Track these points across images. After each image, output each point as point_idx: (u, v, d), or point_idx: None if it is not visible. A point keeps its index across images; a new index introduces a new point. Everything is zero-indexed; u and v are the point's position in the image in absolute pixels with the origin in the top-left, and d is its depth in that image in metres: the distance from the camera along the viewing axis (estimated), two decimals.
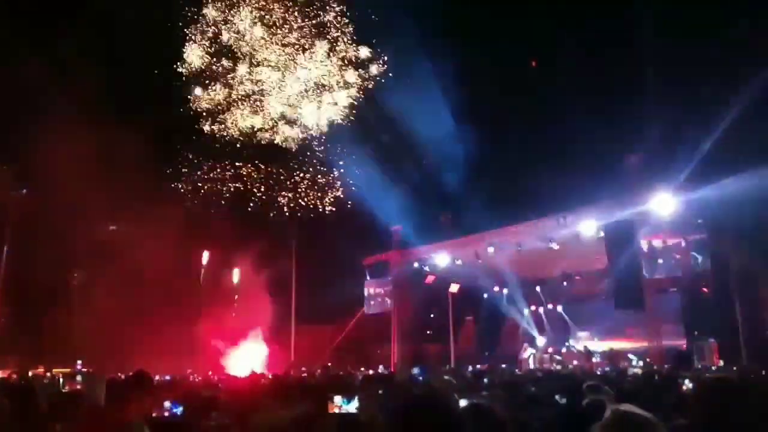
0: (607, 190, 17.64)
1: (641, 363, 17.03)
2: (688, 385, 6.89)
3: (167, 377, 13.63)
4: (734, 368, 12.71)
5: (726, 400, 2.63)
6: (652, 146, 16.41)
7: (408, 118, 22.89)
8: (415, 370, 14.25)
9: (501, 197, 20.88)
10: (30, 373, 14.96)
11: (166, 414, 4.41)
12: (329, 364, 20.09)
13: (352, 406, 5.01)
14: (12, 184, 21.59)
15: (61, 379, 10.28)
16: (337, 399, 5.10)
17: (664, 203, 16.14)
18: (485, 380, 8.71)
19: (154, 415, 4.44)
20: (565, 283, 24.57)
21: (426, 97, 21.95)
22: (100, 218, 22.52)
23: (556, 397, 5.56)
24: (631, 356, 18.67)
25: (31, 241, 21.12)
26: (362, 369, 20.23)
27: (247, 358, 22.95)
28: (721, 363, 15.46)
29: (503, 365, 19.38)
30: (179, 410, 4.39)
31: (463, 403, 3.17)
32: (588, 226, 18.09)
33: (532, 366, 20.81)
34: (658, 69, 16.60)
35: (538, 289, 25.57)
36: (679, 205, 16.00)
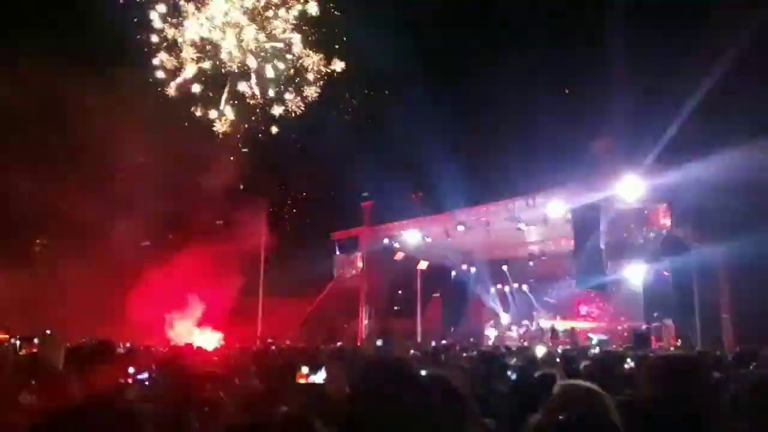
0: (576, 173, 17.91)
1: (600, 342, 17.46)
2: (630, 363, 7.16)
3: (128, 344, 13.47)
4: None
5: (669, 375, 2.73)
6: (620, 130, 16.64)
7: (379, 95, 22.77)
8: (380, 342, 14.42)
9: (472, 177, 21.02)
10: None
11: (132, 381, 4.36)
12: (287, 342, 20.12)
13: (320, 377, 5.05)
14: None
15: (17, 343, 10.10)
16: (305, 369, 5.13)
17: (631, 187, 16.44)
18: (442, 356, 8.84)
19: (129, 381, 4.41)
20: (531, 263, 25.01)
21: (397, 75, 21.86)
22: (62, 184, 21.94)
23: (509, 372, 5.71)
24: (591, 335, 19.16)
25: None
26: (328, 345, 20.35)
27: (212, 330, 22.86)
28: (679, 343, 16.00)
29: (470, 340, 19.77)
30: (145, 376, 4.35)
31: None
32: (556, 207, 18.38)
33: (494, 342, 21.23)
34: (626, 50, 16.74)
35: (505, 268, 25.96)
36: (644, 190, 16.33)
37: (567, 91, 21.48)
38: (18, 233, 21.95)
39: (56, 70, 18.34)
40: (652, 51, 17.77)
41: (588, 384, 2.50)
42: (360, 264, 24.62)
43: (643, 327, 17.92)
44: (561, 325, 22.37)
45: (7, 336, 17.14)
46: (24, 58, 18.17)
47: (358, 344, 20.02)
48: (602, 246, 17.31)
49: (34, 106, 18.78)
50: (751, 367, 5.66)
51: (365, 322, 24.37)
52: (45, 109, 18.67)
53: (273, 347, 15.92)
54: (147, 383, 4.28)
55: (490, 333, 23.32)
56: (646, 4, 18.01)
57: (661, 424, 2.60)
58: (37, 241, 24.16)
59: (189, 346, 11.66)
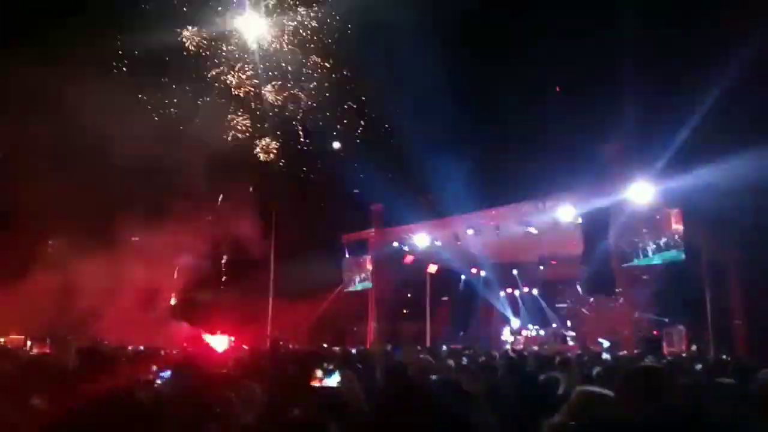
0: (586, 178, 17.83)
1: (610, 347, 17.36)
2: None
3: (140, 347, 13.57)
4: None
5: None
6: (631, 135, 16.57)
7: (389, 96, 22.71)
8: (389, 347, 14.39)
9: (482, 180, 20.97)
10: (2, 340, 14.85)
11: (156, 379, 4.38)
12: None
13: (333, 381, 5.05)
14: None
15: (29, 343, 10.20)
16: (319, 372, 5.15)
17: (642, 192, 16.35)
18: (464, 360, 8.83)
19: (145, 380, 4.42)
20: (541, 267, 24.92)
21: (407, 77, 21.82)
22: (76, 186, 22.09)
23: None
24: (601, 340, 19.05)
25: (7, 208, 20.72)
26: (337, 348, 20.35)
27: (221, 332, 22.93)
28: (693, 348, 15.87)
29: (476, 345, 19.70)
30: (167, 374, 4.37)
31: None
32: (566, 212, 18.31)
33: (508, 347, 21.16)
34: (637, 55, 16.65)
35: (515, 272, 25.88)
36: (655, 194, 16.24)
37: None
38: (29, 234, 22.10)
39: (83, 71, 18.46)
40: (663, 53, 17.67)
41: (604, 391, 2.51)
42: (369, 267, 24.63)
43: (654, 332, 17.80)
44: (571, 329, 22.28)
45: (22, 336, 17.35)
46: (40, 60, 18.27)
47: (368, 347, 20.00)
48: (612, 249, 17.22)
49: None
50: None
51: (374, 324, 24.36)
52: (62, 105, 18.73)
53: (284, 349, 15.97)
54: (159, 383, 4.30)
55: (506, 337, 23.20)
56: (657, 7, 17.90)
57: None
58: (49, 242, 24.33)
59: (201, 347, 11.73)
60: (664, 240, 16.51)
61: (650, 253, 16.82)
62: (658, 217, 16.60)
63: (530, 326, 23.76)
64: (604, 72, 18.77)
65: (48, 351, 7.32)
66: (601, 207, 17.17)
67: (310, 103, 24.27)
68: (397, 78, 21.81)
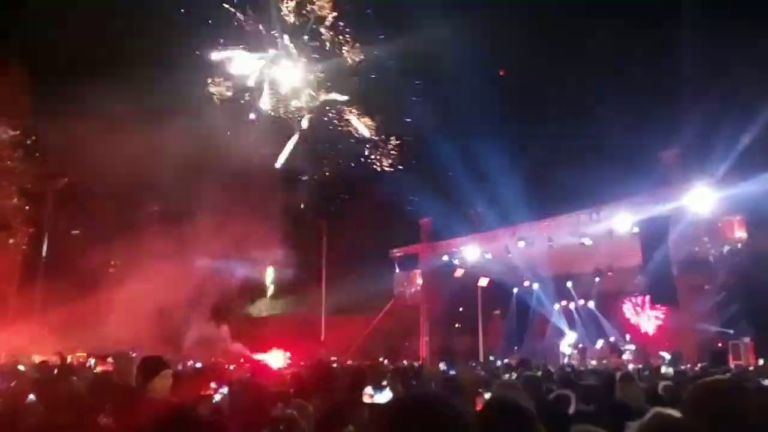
0: (642, 185, 17.31)
1: (672, 360, 16.68)
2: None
3: (197, 364, 13.92)
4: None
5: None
6: (690, 140, 16.04)
7: (438, 109, 22.73)
8: (443, 365, 14.26)
9: (533, 190, 20.64)
10: (69, 358, 15.45)
11: (215, 395, 4.49)
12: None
13: (384, 397, 5.05)
14: (52, 174, 22.25)
15: (93, 361, 10.58)
16: (369, 389, 5.16)
17: (701, 199, 15.76)
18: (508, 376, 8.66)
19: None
20: (597, 279, 24.24)
21: (456, 89, 21.79)
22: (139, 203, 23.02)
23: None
24: (662, 353, 18.32)
25: (71, 228, 21.77)
26: (387, 362, 20.32)
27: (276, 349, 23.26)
28: (761, 362, 15.09)
29: (531, 360, 19.25)
30: (225, 390, 4.48)
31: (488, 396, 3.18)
32: (622, 221, 17.78)
33: (566, 361, 20.59)
34: (696, 61, 16.18)
35: (569, 284, 25.26)
36: (716, 201, 15.62)
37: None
38: (94, 254, 23.08)
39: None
40: (724, 58, 17.08)
41: (682, 419, 2.37)
42: (419, 281, 24.53)
43: (719, 344, 17.03)
44: (629, 343, 21.54)
45: (85, 354, 18.05)
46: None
47: (420, 363, 19.88)
48: (672, 259, 16.62)
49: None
50: None
51: (426, 339, 24.20)
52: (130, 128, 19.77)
53: (336, 365, 16.06)
54: (220, 399, 4.39)
55: (564, 350, 22.57)
56: (718, 12, 17.36)
57: None
58: (111, 262, 25.31)
59: (259, 364, 11.90)
60: (726, 248, 15.83)
61: (712, 262, 16.16)
62: (719, 224, 15.94)
63: (587, 340, 23.07)
64: (662, 76, 18.29)
65: (111, 369, 7.57)
66: (660, 215, 16.62)
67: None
68: (445, 89, 21.84)
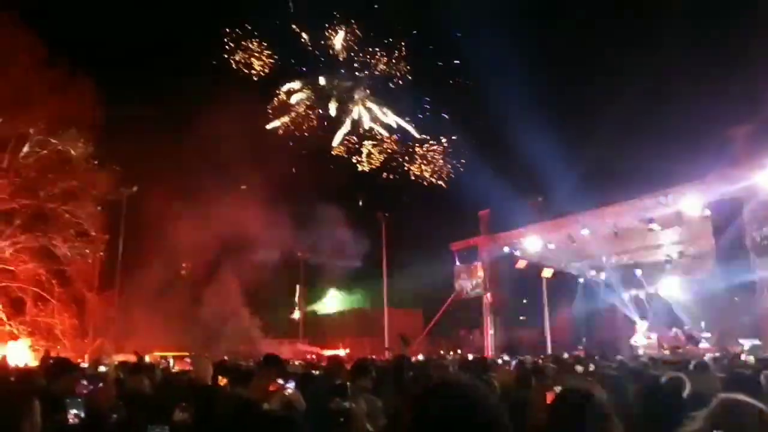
0: (714, 165, 16.46)
1: (753, 348, 15.84)
2: None
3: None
4: None
5: None
6: (763, 115, 15.16)
7: (499, 101, 22.44)
8: (507, 357, 14.07)
9: (596, 176, 20.05)
10: (147, 357, 16.19)
11: (282, 390, 4.60)
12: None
13: None
14: (124, 183, 23.31)
15: (171, 360, 11.08)
16: None
17: None
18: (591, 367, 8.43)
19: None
20: (668, 266, 23.31)
21: (517, 79, 21.43)
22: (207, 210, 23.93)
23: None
24: (741, 341, 17.42)
25: (142, 235, 22.77)
26: (451, 353, 20.25)
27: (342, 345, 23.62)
28: None
29: (602, 350, 18.75)
30: (292, 385, 4.58)
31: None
32: (692, 203, 16.99)
33: (641, 352, 19.91)
34: None
35: (638, 272, 24.40)
36: None
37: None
38: (168, 258, 24.07)
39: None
40: None
41: (751, 400, 2.28)
42: (480, 273, 24.27)
43: None
44: (705, 330, 20.63)
45: (160, 354, 18.87)
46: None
47: (486, 355, 19.71)
48: (747, 242, 15.76)
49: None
50: None
51: (490, 332, 23.94)
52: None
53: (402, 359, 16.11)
54: (289, 392, 4.51)
55: (638, 340, 21.80)
56: None
57: None
58: (183, 264, 26.33)
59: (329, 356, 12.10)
60: None
61: None
62: None
63: (662, 329, 22.23)
64: (732, 49, 17.40)
65: (189, 368, 7.92)
66: (732, 196, 15.79)
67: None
68: (505, 79, 21.53)
